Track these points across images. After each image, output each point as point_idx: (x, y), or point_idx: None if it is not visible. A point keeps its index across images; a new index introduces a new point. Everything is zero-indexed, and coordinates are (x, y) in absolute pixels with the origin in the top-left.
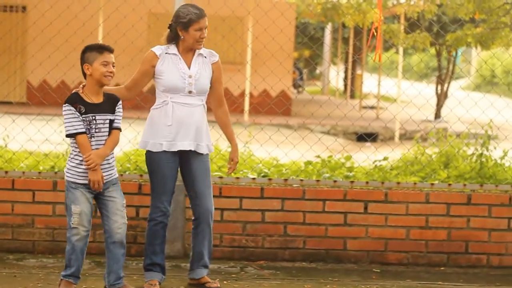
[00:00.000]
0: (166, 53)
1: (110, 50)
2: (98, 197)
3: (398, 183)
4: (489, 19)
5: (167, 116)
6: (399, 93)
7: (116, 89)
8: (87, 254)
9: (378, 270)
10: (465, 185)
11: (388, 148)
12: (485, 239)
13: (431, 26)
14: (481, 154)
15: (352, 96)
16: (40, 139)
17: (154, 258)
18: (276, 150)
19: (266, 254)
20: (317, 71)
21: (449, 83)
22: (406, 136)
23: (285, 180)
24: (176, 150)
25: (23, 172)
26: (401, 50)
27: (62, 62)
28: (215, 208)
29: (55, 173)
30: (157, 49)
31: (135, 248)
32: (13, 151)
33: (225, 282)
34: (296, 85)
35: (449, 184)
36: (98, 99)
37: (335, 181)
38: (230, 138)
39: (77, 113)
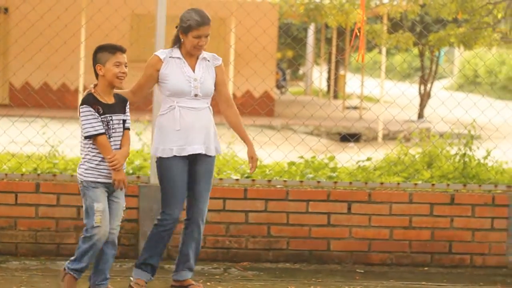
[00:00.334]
0: (170, 57)
1: (123, 51)
2: None
3: (382, 183)
4: (472, 19)
5: (175, 121)
6: (382, 93)
7: (122, 93)
8: (71, 256)
9: (362, 271)
10: (448, 185)
11: (372, 148)
12: (469, 239)
13: (414, 26)
14: (464, 154)
15: (335, 97)
16: (22, 141)
17: (149, 260)
18: (259, 151)
19: (249, 255)
20: (300, 72)
21: (432, 83)
22: (389, 136)
23: (269, 181)
24: (186, 154)
25: (6, 174)
26: (384, 50)
27: (44, 64)
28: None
29: (38, 175)
30: (161, 53)
31: (118, 250)
32: None
33: (208, 283)
34: (279, 86)
35: (433, 184)
36: (110, 100)
37: (318, 182)
38: (244, 138)
39: (96, 114)
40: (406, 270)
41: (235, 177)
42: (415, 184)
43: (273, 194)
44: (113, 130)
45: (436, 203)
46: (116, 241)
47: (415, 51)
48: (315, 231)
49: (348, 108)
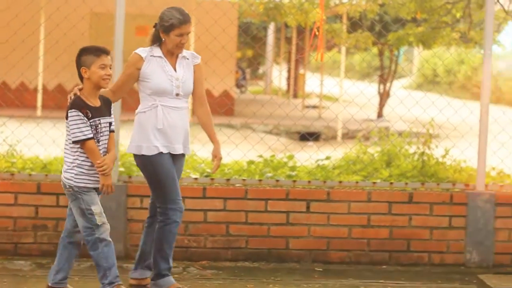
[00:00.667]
0: (151, 55)
1: (107, 52)
2: None
3: (340, 182)
4: (431, 19)
5: (157, 119)
6: (341, 92)
7: (101, 92)
8: (29, 256)
9: (321, 269)
10: (406, 183)
11: (331, 147)
12: (427, 237)
13: (373, 26)
14: (423, 153)
15: (295, 96)
16: None
17: (171, 262)
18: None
19: (208, 254)
20: (260, 71)
21: (391, 82)
22: (348, 135)
23: (228, 180)
24: (172, 152)
25: None
26: (343, 49)
27: (2, 63)
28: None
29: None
30: (142, 52)
31: None
32: None
33: None
34: (239, 85)
35: (391, 183)
36: (97, 102)
37: (277, 181)
38: (213, 137)
39: (85, 118)
40: (364, 268)
41: (194, 176)
42: (374, 182)
43: (232, 193)
44: (101, 134)
45: (395, 201)
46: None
47: (374, 50)
48: (274, 229)
49: (307, 107)
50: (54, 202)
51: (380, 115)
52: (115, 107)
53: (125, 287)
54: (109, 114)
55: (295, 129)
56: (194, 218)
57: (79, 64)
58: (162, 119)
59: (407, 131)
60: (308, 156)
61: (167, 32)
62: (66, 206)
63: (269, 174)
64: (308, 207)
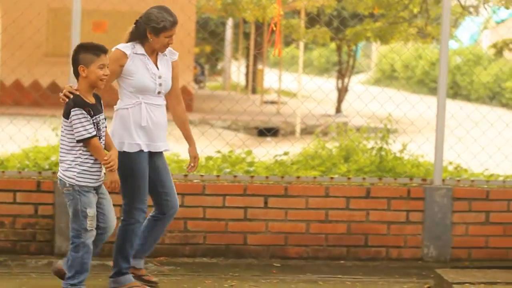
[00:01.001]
0: (134, 53)
1: (106, 52)
2: None
3: (298, 177)
4: (388, 14)
5: (141, 116)
6: (299, 88)
7: None
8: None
9: (279, 265)
10: (364, 178)
11: (289, 142)
12: (384, 232)
13: (331, 21)
14: (381, 148)
15: (253, 91)
16: None
17: (131, 261)
18: (176, 146)
19: (166, 250)
20: (219, 67)
21: (349, 77)
22: (307, 131)
23: (185, 175)
24: (154, 150)
25: None
26: (301, 45)
27: None
28: (117, 205)
29: None
30: (125, 48)
31: (34, 246)
32: None
33: None
34: (197, 81)
35: (349, 178)
36: (93, 100)
37: (235, 176)
38: (189, 136)
39: (88, 116)
40: (322, 263)
41: None
42: (331, 178)
43: (190, 188)
44: (102, 131)
45: (352, 196)
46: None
47: (333, 45)
48: (231, 225)
49: (266, 102)
50: (11, 199)
51: (338, 110)
52: None
53: None
54: (103, 111)
55: (253, 125)
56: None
57: (76, 61)
58: (146, 117)
59: (365, 126)
60: (266, 152)
61: (158, 33)
62: (24, 203)
63: (227, 170)
64: (266, 203)
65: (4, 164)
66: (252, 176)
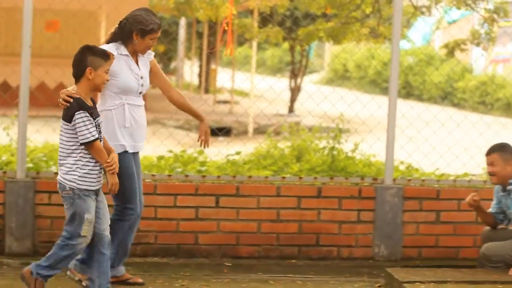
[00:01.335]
0: (119, 54)
1: (110, 57)
2: None
3: (250, 177)
4: (340, 14)
5: (124, 117)
6: (252, 87)
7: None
8: None
9: (230, 264)
10: (315, 178)
11: (241, 142)
12: (335, 231)
13: (284, 21)
14: (333, 147)
15: (206, 91)
16: None
17: (124, 258)
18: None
19: None
20: (172, 66)
21: (302, 77)
22: (259, 130)
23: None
24: (135, 151)
25: None
26: (254, 44)
27: None
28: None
29: None
30: (111, 49)
31: None
32: None
33: None
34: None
35: (300, 177)
36: (91, 103)
37: (186, 176)
38: (196, 113)
39: (91, 118)
40: (274, 262)
41: None
42: (283, 177)
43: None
44: (101, 134)
45: (304, 196)
46: None
47: (286, 45)
48: (183, 225)
49: (218, 102)
50: None
51: (291, 110)
52: (23, 102)
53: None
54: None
55: None
56: None
57: (84, 63)
58: (129, 118)
59: (317, 126)
60: (218, 151)
61: (144, 35)
62: None
63: (179, 170)
64: (217, 202)
65: None
66: (203, 176)
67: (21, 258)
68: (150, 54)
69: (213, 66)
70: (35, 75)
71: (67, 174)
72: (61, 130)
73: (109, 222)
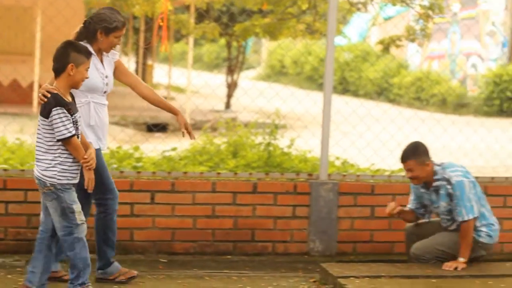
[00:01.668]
0: None
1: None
2: None
3: (185, 173)
4: (277, 10)
5: (89, 116)
6: (189, 83)
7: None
8: None
9: (165, 260)
10: (251, 173)
11: (177, 138)
12: (271, 227)
13: (220, 17)
14: (269, 143)
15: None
16: None
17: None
18: None
19: None
20: None
21: (238, 73)
22: (196, 126)
23: None
24: (101, 148)
25: None
26: (191, 40)
27: None
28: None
29: None
30: None
31: None
32: None
33: (9, 276)
34: None
35: (235, 173)
36: (70, 99)
37: (121, 172)
38: (171, 108)
39: (69, 115)
40: (209, 258)
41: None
42: (218, 173)
43: None
44: (79, 130)
45: (239, 191)
46: None
47: (222, 41)
48: (118, 221)
49: None
50: None
51: (228, 106)
52: None
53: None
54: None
55: (142, 120)
56: (37, 211)
57: (67, 58)
58: (94, 116)
59: (254, 122)
60: (154, 147)
61: (108, 33)
62: None
63: (114, 166)
64: (152, 198)
65: None
66: (138, 172)
67: None
68: (115, 55)
69: (149, 62)
70: None
71: (46, 170)
72: (38, 126)
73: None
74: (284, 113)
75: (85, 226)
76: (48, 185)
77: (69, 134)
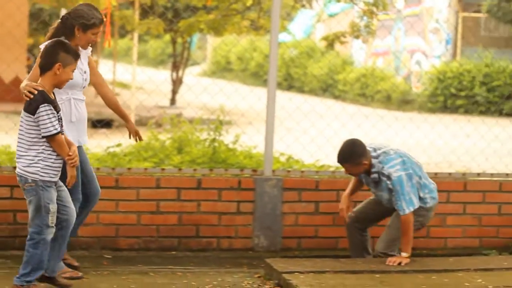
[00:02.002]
0: None
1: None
2: None
3: (129, 168)
4: (221, 6)
5: (70, 112)
6: (133, 79)
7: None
8: None
9: (110, 256)
10: (195, 169)
11: (122, 134)
12: (215, 222)
13: (165, 13)
14: (214, 139)
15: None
16: None
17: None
18: (6, 138)
19: None
20: None
21: (183, 69)
22: (141, 122)
23: (14, 167)
24: (80, 144)
25: None
26: (135, 36)
27: None
28: None
29: None
30: None
31: None
32: None
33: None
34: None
35: (180, 169)
36: (53, 97)
37: None
38: (124, 115)
39: (55, 112)
40: (154, 254)
41: None
42: (163, 169)
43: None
44: (62, 127)
45: (183, 187)
46: None
47: (167, 37)
48: None
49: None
50: None
51: (173, 102)
52: None
53: None
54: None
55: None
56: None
57: (55, 57)
58: (75, 112)
59: (199, 118)
60: (98, 143)
61: (86, 30)
62: None
63: None
64: None
65: None
66: None
67: None
68: (89, 49)
69: (94, 58)
70: None
71: (29, 166)
72: (21, 123)
73: (75, 211)
74: (229, 109)
75: (53, 229)
76: (30, 181)
77: (55, 131)
